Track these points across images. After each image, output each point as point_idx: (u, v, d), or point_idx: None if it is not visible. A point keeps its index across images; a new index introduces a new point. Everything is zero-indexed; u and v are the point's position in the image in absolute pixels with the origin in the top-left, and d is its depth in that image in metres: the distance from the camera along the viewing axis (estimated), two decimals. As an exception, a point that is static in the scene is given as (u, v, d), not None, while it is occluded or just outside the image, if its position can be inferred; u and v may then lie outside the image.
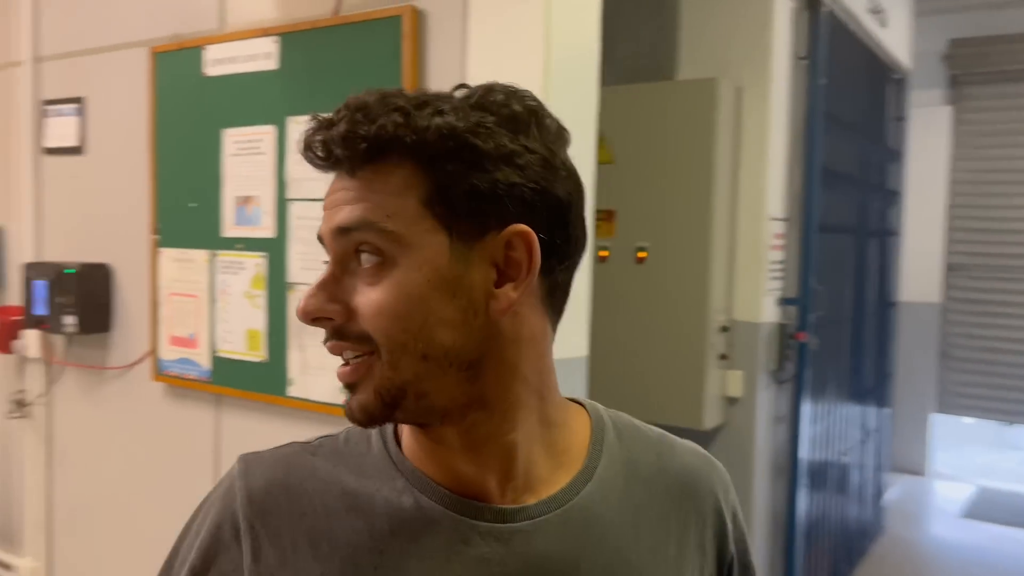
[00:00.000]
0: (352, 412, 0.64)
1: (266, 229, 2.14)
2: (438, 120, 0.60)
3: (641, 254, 3.04)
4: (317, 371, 2.06)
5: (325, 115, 0.63)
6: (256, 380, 2.17)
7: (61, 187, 2.73)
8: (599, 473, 0.69)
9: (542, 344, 0.67)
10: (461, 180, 0.61)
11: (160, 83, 2.37)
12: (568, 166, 0.66)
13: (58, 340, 2.71)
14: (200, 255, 2.29)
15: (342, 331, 0.63)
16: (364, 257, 0.62)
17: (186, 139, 2.32)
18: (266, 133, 2.13)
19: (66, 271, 2.51)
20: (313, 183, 2.05)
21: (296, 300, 2.07)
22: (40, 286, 2.58)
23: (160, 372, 2.41)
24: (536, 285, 0.64)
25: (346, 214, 0.62)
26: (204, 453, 2.34)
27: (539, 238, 0.62)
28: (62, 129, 2.69)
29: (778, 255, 3.10)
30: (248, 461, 0.71)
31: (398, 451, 0.69)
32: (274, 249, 2.13)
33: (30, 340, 2.74)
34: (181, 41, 2.32)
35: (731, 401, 3.03)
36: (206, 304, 2.28)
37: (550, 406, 0.69)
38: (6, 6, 2.83)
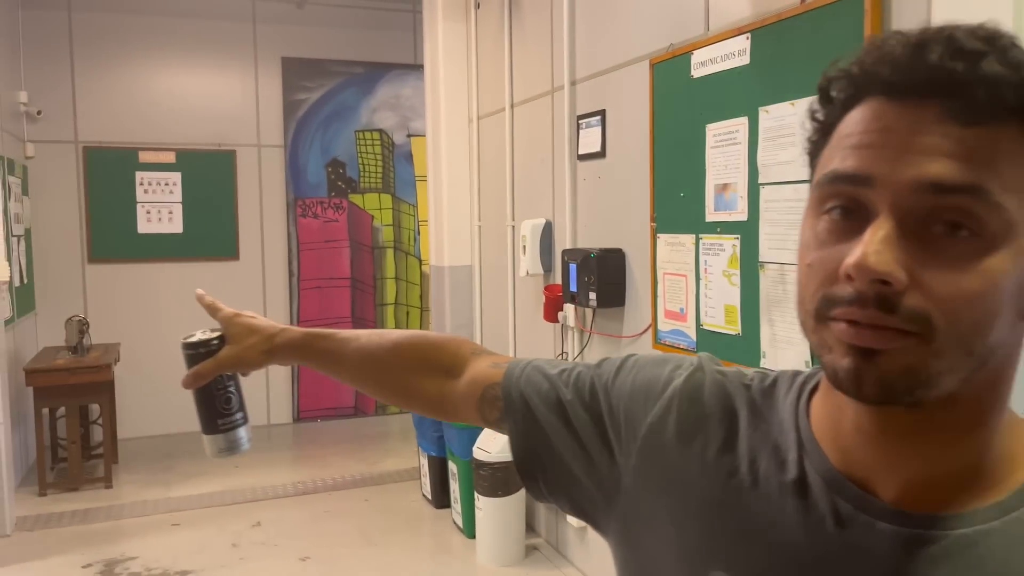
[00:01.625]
0: (865, 385, 0.52)
1: (740, 213, 2.33)
2: None
3: None
4: (785, 345, 2.18)
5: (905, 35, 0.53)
6: (733, 351, 2.38)
7: (589, 186, 3.29)
8: (1018, 516, 0.56)
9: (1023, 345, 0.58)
10: None
11: (657, 89, 2.72)
12: None
13: (588, 312, 3.29)
14: (688, 239, 2.58)
15: (892, 303, 0.51)
16: (950, 226, 0.51)
17: (677, 136, 2.63)
18: (740, 124, 2.32)
19: (591, 255, 3.05)
20: (782, 167, 2.17)
21: (768, 279, 2.22)
22: (573, 268, 3.17)
23: (658, 341, 2.78)
24: None
25: (949, 169, 0.50)
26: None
27: None
28: (590, 138, 3.25)
29: None
30: (712, 359, 0.74)
31: (806, 410, 0.64)
32: (747, 231, 2.31)
33: (568, 312, 3.38)
34: (674, 50, 2.64)
35: None
36: (692, 282, 2.57)
37: (1003, 421, 0.59)
38: (547, 45, 3.51)
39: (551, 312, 3.48)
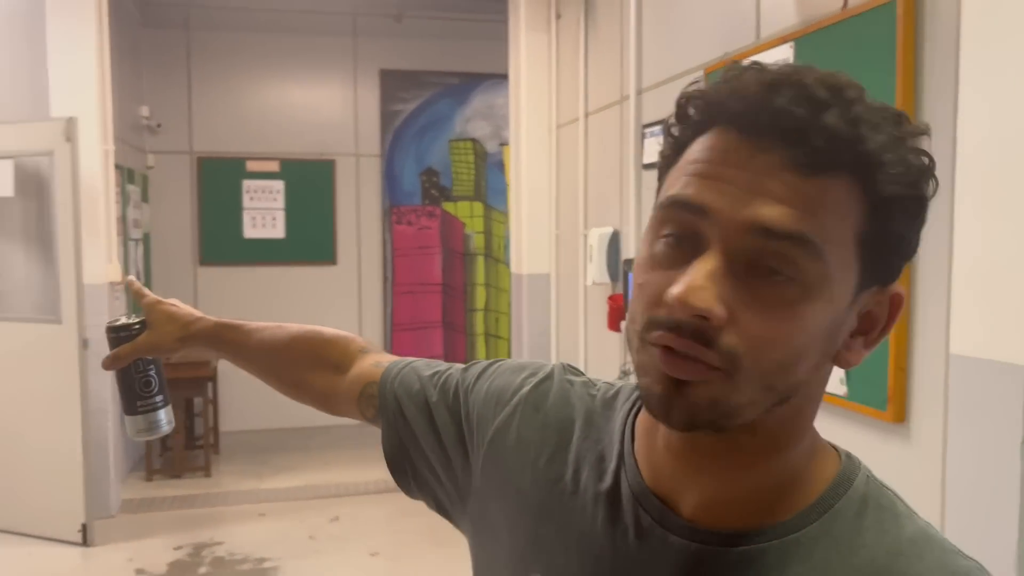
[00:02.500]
0: (673, 413, 0.54)
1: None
2: (913, 161, 0.54)
3: None
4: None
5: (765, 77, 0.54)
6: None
7: (653, 196, 3.27)
8: (801, 536, 0.58)
9: (827, 381, 0.61)
10: (901, 229, 0.55)
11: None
12: None
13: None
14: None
15: (709, 337, 0.52)
16: (771, 269, 0.52)
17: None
18: (784, 135, 2.26)
19: (647, 266, 3.03)
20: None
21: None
22: (631, 278, 3.15)
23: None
24: None
25: (783, 216, 0.51)
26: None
27: None
28: (653, 147, 3.23)
29: None
30: (564, 368, 0.77)
31: (633, 423, 0.66)
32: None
33: (630, 322, 3.37)
34: (727, 59, 2.60)
35: None
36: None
37: (801, 448, 0.60)
38: (618, 55, 3.51)
39: (614, 322, 3.47)
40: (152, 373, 1.01)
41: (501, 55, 5.41)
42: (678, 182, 0.56)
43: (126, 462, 4.87)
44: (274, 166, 6.05)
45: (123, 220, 5.00)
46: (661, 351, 0.53)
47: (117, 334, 0.99)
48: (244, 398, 6.00)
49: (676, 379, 0.53)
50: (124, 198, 5.04)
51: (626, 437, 0.66)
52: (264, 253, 6.07)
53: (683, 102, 0.58)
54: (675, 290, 0.52)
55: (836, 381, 1.99)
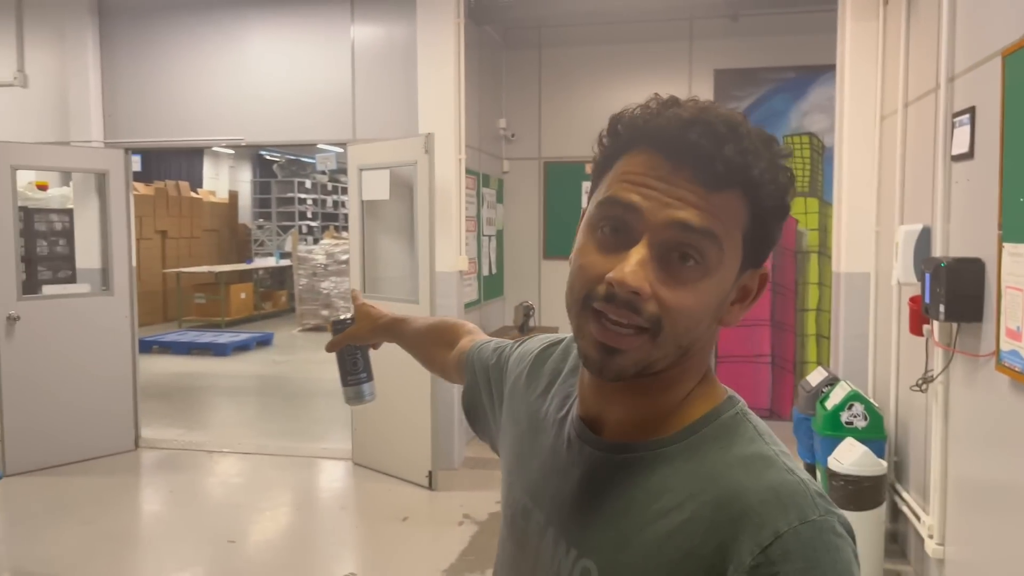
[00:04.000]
0: (605, 371, 0.73)
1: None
2: (782, 179, 0.73)
3: None
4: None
5: (690, 115, 0.72)
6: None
7: (960, 190, 3.03)
8: (670, 449, 0.75)
9: (718, 333, 0.80)
10: (772, 229, 0.75)
11: (1009, 85, 2.45)
12: None
13: (952, 327, 3.03)
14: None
15: (637, 307, 0.70)
16: (683, 255, 0.71)
17: None
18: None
19: (940, 264, 2.83)
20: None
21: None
22: (927, 278, 2.97)
23: (999, 362, 2.50)
24: None
25: (696, 217, 0.70)
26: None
27: None
28: (960, 138, 2.99)
29: None
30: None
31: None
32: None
33: (933, 326, 3.15)
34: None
35: None
36: (1026, 298, 2.29)
37: (696, 384, 0.79)
38: (933, 40, 3.26)
39: (915, 325, 3.27)
40: (359, 356, 1.30)
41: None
42: (616, 186, 0.74)
43: (473, 426, 5.66)
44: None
45: (478, 219, 5.82)
46: (597, 323, 0.72)
47: (335, 326, 1.31)
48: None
49: (609, 347, 0.72)
50: (479, 200, 5.85)
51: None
52: (599, 248, 6.54)
53: (614, 121, 0.77)
54: (615, 274, 0.70)
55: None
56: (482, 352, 1.12)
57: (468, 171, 5.38)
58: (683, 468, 0.74)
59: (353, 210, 5.24)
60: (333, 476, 5.20)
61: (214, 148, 13.29)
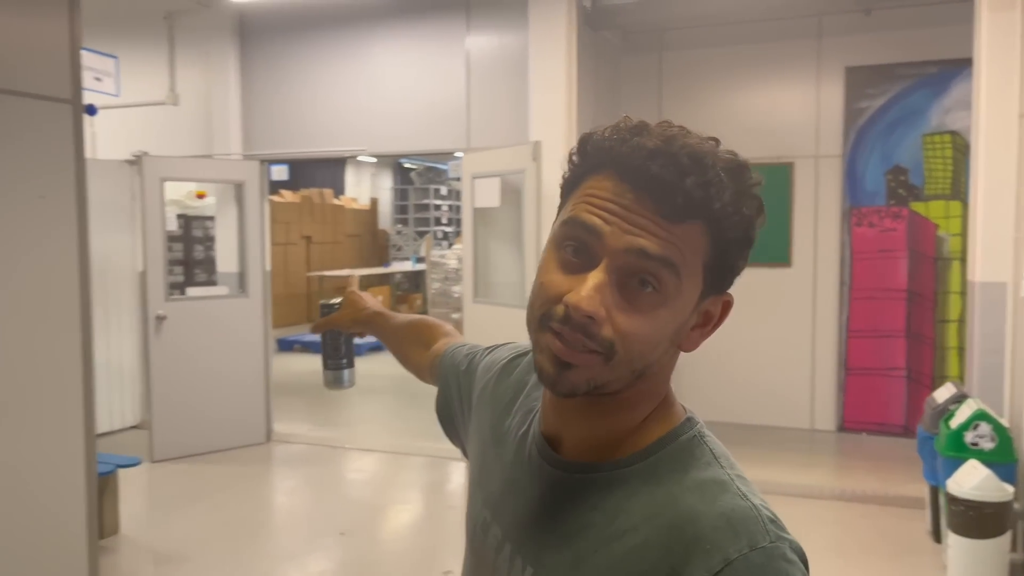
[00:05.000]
0: (559, 385, 0.74)
1: None
2: (747, 211, 0.73)
3: None
4: None
5: (650, 144, 0.71)
6: None
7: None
8: (628, 471, 0.76)
9: (677, 357, 0.80)
10: (735, 259, 0.75)
11: None
12: None
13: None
14: None
15: (591, 331, 0.71)
16: (641, 281, 0.71)
17: None
18: None
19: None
20: None
21: None
22: None
23: None
24: None
25: (655, 245, 0.70)
26: None
27: None
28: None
29: None
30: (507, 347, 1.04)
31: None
32: None
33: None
34: None
35: None
36: None
37: (654, 407, 0.79)
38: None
39: (1047, 340, 2.99)
40: (342, 341, 1.34)
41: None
42: (580, 207, 0.74)
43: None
44: (733, 171, 6.31)
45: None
46: (554, 338, 0.73)
47: (322, 309, 1.35)
48: (703, 389, 6.44)
49: (564, 362, 0.72)
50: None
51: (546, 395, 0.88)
52: (720, 255, 6.37)
53: (584, 141, 0.78)
54: (572, 297, 0.71)
55: None
56: (455, 356, 1.12)
57: (580, 177, 5.39)
58: (640, 490, 0.74)
59: (466, 217, 5.37)
60: (453, 476, 5.34)
61: (358, 157, 13.97)
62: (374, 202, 16.19)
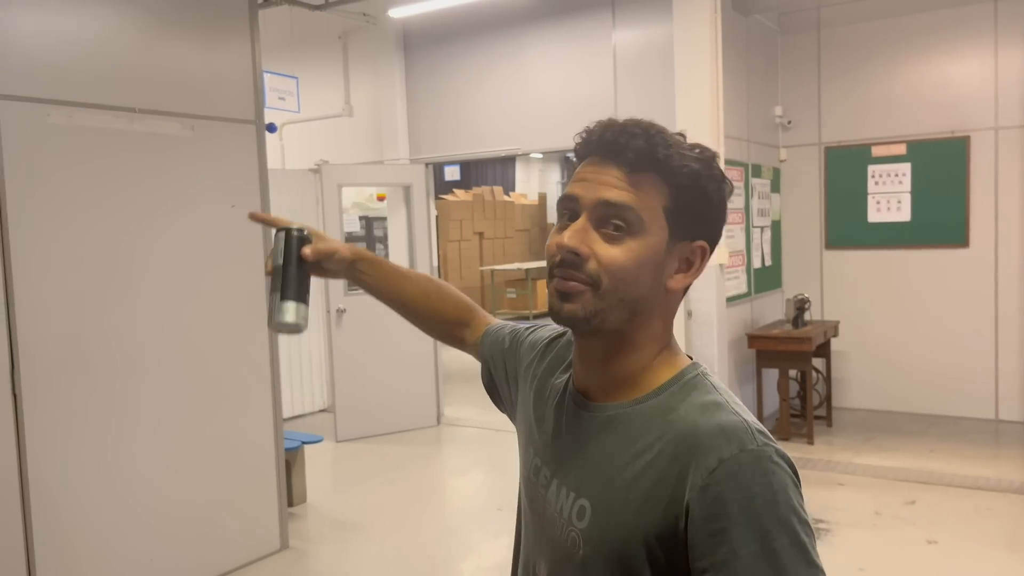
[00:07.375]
0: (560, 314, 0.92)
1: None
2: (693, 165, 0.91)
3: None
4: None
5: (615, 121, 0.93)
6: None
7: None
8: (642, 407, 0.93)
9: (675, 307, 0.98)
10: (694, 205, 0.92)
11: None
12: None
13: None
14: None
15: (578, 265, 0.90)
16: (614, 225, 0.90)
17: None
18: None
19: None
20: None
21: None
22: None
23: None
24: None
25: (616, 195, 0.90)
26: None
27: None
28: None
29: None
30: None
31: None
32: None
33: None
34: None
35: None
36: None
37: (658, 351, 0.96)
38: None
39: None
40: (292, 270, 1.14)
41: None
42: (568, 186, 0.97)
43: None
44: (900, 149, 6.02)
45: (746, 210, 5.76)
46: (555, 279, 0.93)
47: (286, 235, 1.16)
48: (860, 377, 6.21)
49: (563, 293, 0.92)
50: (747, 191, 5.79)
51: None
52: (889, 236, 6.10)
53: (579, 138, 0.98)
54: (557, 239, 0.93)
55: None
56: (498, 336, 1.28)
57: (731, 163, 5.37)
58: (654, 419, 0.91)
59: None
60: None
61: (530, 155, 14.41)
62: (542, 197, 16.56)
